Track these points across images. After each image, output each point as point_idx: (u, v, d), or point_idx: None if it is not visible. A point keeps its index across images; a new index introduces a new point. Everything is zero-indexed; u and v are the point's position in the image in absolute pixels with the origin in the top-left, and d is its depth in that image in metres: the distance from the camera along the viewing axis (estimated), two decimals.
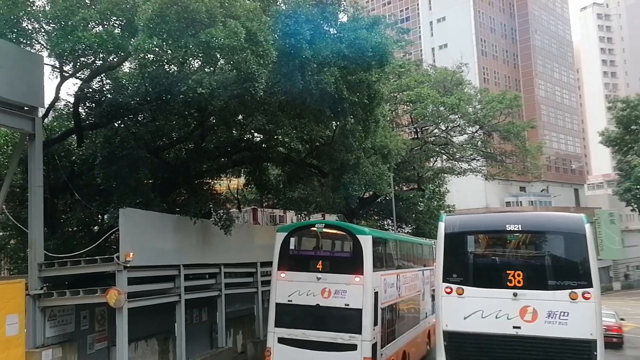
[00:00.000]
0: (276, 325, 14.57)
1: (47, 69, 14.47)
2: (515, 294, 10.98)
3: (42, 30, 14.28)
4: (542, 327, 10.73)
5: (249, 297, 21.68)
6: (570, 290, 10.69)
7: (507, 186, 75.12)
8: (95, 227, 17.44)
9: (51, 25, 13.74)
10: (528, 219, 12.60)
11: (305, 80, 14.19)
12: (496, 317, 11.04)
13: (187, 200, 18.00)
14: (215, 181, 22.04)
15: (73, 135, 17.19)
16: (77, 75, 15.88)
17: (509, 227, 11.64)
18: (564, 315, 10.65)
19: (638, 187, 59.22)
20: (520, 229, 11.66)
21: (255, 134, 19.65)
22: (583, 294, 10.62)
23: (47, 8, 13.84)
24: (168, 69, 14.97)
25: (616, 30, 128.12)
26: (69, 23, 12.86)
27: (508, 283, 11.08)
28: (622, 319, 26.95)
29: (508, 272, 11.19)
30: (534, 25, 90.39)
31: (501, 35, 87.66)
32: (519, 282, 11.04)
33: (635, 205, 64.76)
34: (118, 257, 13.47)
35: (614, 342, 24.07)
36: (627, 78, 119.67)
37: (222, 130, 18.91)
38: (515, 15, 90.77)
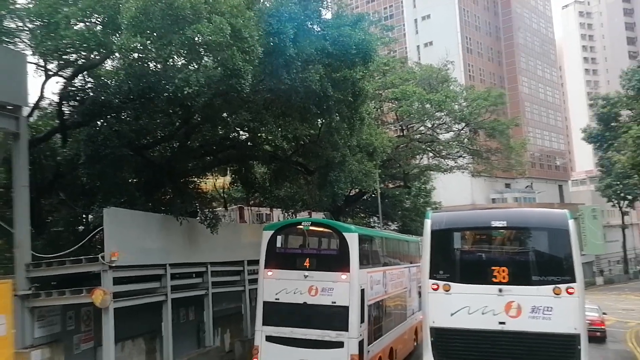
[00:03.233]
0: (264, 324, 14.56)
1: (31, 68, 14.26)
2: (500, 290, 11.09)
3: (26, 28, 14.08)
4: (526, 322, 10.86)
5: (236, 296, 21.61)
6: (554, 286, 10.83)
7: (492, 183, 75.60)
8: (81, 227, 17.28)
9: (34, 23, 13.56)
10: (513, 215, 12.73)
11: (291, 78, 14.17)
12: (482, 313, 11.14)
13: (172, 200, 17.88)
14: (201, 180, 21.93)
15: (58, 135, 17.01)
16: (61, 73, 15.70)
17: (494, 224, 11.76)
18: (547, 310, 10.78)
19: (618, 183, 60.06)
20: (505, 225, 11.79)
21: (241, 132, 19.57)
22: (567, 289, 10.77)
23: (30, 6, 13.65)
24: (152, 67, 14.84)
25: (597, 28, 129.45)
26: (52, 21, 12.69)
27: (493, 279, 11.20)
28: (604, 313, 27.29)
29: (493, 268, 11.30)
30: (517, 23, 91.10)
31: (486, 32, 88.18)
32: (504, 277, 11.15)
33: (616, 201, 65.67)
34: (103, 257, 13.36)
35: (598, 336, 24.39)
36: (607, 75, 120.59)
37: (207, 128, 18.79)
38: (499, 13, 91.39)
